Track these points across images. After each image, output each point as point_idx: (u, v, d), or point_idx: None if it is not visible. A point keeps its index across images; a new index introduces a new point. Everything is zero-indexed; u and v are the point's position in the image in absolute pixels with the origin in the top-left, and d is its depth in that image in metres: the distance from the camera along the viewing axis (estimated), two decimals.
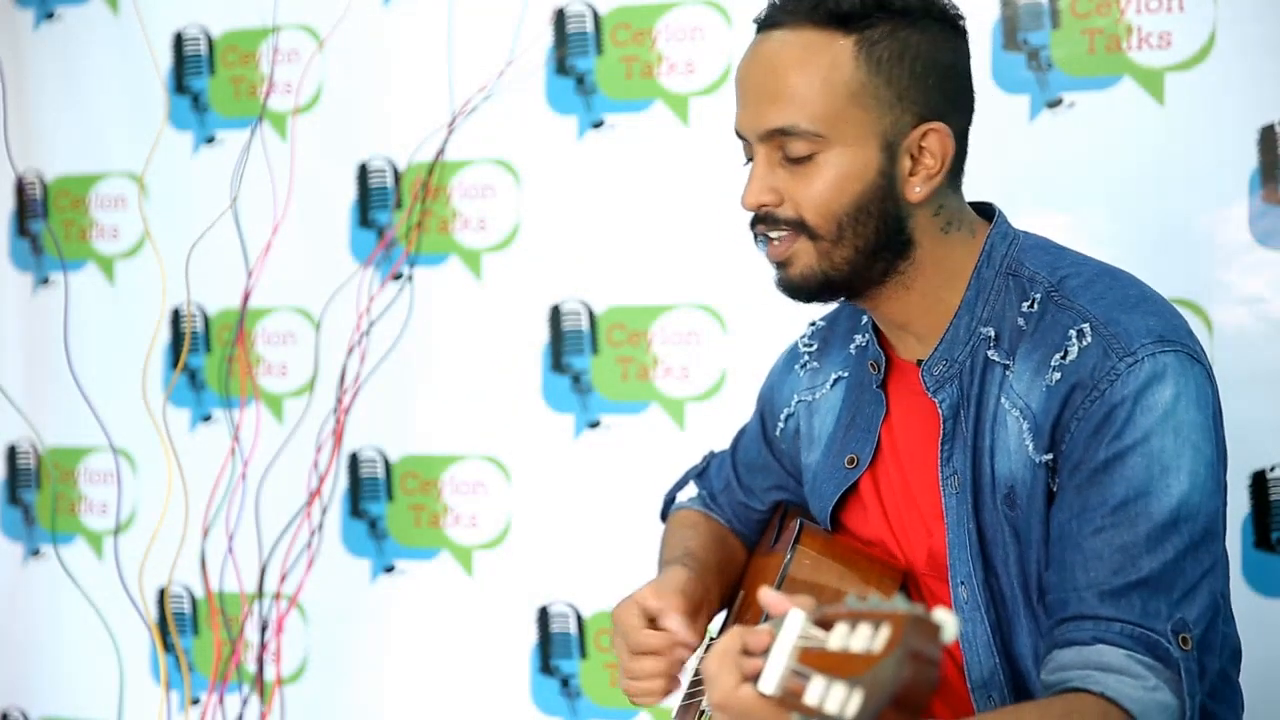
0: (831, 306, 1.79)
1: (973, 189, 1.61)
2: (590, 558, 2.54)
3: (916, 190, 1.52)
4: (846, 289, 1.57)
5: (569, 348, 2.57)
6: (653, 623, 1.65)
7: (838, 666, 1.08)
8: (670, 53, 2.51)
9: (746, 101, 1.55)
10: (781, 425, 1.82)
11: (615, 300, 2.54)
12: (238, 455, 2.71)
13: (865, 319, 1.71)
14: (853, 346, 1.73)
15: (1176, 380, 1.46)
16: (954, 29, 1.57)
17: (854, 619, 1.09)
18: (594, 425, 2.55)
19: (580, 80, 2.56)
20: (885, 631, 1.06)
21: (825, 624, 1.12)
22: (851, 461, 1.67)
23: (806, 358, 1.80)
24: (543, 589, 2.57)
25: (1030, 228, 1.64)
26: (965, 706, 1.57)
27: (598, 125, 2.55)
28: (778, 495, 1.87)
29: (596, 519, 2.53)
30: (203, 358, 2.80)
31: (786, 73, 1.51)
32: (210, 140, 2.80)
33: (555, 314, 2.57)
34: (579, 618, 2.56)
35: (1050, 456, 1.48)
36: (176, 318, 2.82)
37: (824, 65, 1.50)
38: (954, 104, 1.56)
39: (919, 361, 1.60)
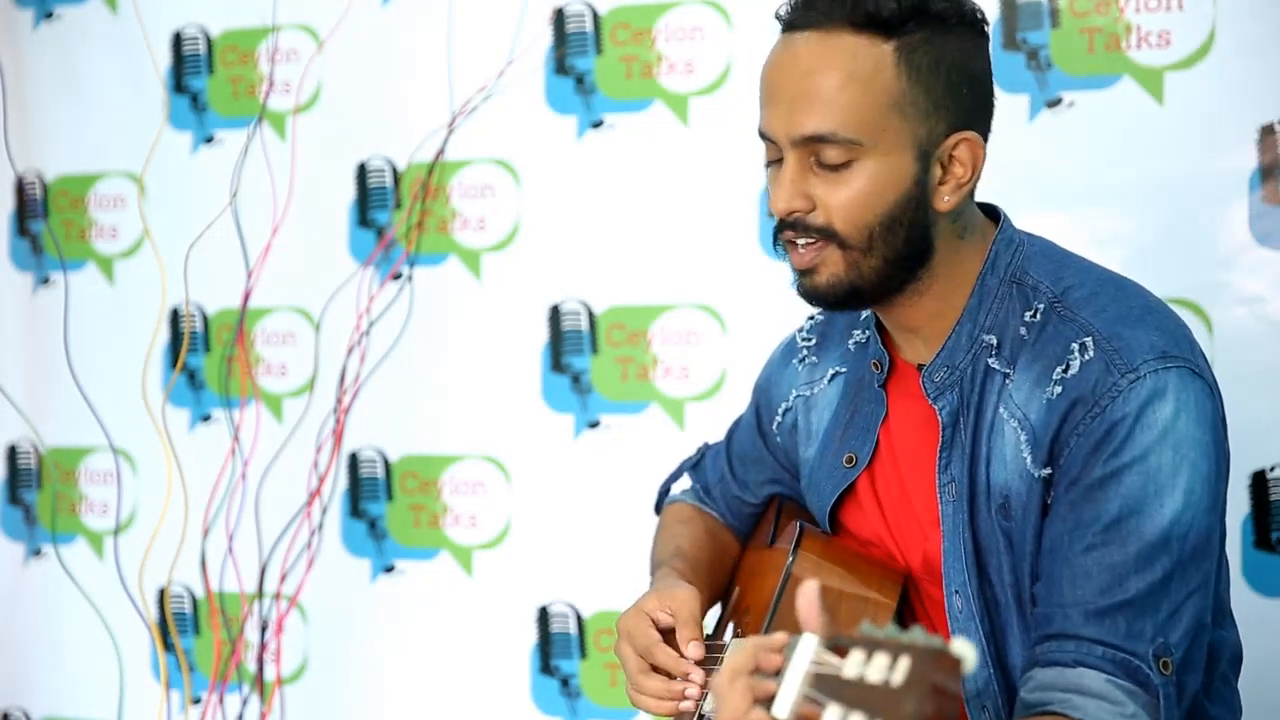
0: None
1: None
2: (590, 558, 2.53)
3: (946, 199, 1.50)
4: (871, 298, 1.55)
5: (569, 348, 2.56)
6: (664, 634, 1.65)
7: (854, 696, 1.06)
8: (670, 53, 2.51)
9: (779, 104, 1.50)
10: (779, 419, 1.81)
11: (615, 300, 2.54)
12: (238, 455, 2.71)
13: (866, 315, 1.70)
14: (851, 342, 1.72)
15: (1178, 397, 1.45)
16: (981, 34, 1.55)
17: (870, 646, 1.07)
18: (594, 425, 2.55)
19: (580, 80, 2.56)
20: (904, 664, 1.04)
21: (840, 650, 1.10)
22: (850, 460, 1.66)
23: (805, 352, 1.78)
24: (543, 589, 2.57)
25: (1030, 228, 1.63)
26: (961, 715, 1.56)
27: (597, 125, 2.55)
28: (772, 489, 1.86)
29: (596, 519, 2.53)
30: (202, 358, 2.80)
31: (825, 78, 1.47)
32: (209, 140, 2.80)
33: (555, 314, 2.57)
34: (579, 618, 2.56)
35: (1049, 471, 1.47)
36: (176, 317, 2.82)
37: (865, 72, 1.46)
38: (982, 112, 1.54)
39: (920, 366, 1.59)
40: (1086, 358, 1.46)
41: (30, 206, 2.93)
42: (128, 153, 2.83)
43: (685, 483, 1.95)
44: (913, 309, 1.57)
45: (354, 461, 2.69)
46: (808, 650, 1.12)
